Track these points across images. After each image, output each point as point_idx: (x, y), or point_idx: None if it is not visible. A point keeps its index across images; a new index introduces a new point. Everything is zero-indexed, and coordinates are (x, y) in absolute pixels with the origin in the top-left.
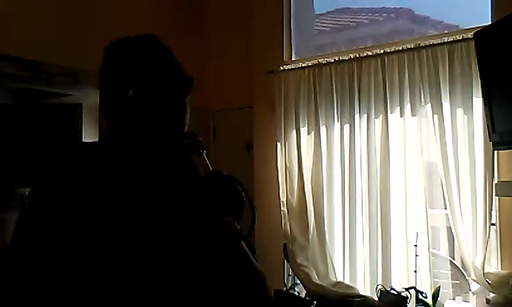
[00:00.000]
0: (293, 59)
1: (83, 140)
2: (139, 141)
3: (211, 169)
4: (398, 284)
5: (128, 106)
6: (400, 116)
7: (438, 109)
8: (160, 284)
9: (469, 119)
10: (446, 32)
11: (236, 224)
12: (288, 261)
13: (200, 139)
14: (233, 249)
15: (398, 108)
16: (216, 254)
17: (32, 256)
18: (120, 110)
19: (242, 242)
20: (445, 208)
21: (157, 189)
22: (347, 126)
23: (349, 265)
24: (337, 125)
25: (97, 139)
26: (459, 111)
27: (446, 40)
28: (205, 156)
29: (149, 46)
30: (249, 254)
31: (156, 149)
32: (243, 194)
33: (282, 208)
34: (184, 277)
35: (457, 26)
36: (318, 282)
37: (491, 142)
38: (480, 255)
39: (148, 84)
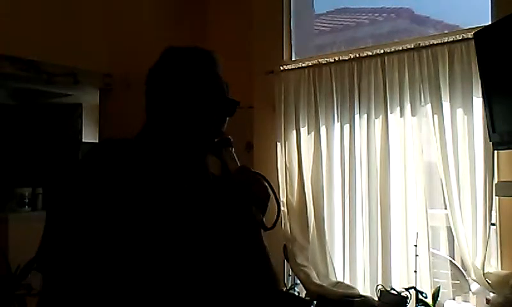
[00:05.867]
0: (293, 59)
1: (83, 140)
2: (177, 141)
3: (239, 165)
4: (398, 284)
5: (175, 110)
6: (400, 116)
7: (438, 109)
8: (203, 275)
9: (469, 119)
10: (446, 32)
11: (261, 217)
12: (288, 262)
13: (230, 137)
14: (257, 240)
15: (398, 108)
16: (242, 243)
17: (86, 257)
18: (164, 111)
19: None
20: (445, 208)
21: (194, 185)
22: (347, 126)
23: (349, 265)
24: (337, 125)
25: (97, 139)
26: (459, 111)
27: (446, 40)
28: (233, 153)
29: (208, 61)
30: (268, 252)
31: (191, 147)
32: (269, 189)
33: (282, 208)
34: (216, 266)
35: (457, 26)
36: (318, 282)
37: (491, 142)
38: (480, 255)
39: (199, 97)
